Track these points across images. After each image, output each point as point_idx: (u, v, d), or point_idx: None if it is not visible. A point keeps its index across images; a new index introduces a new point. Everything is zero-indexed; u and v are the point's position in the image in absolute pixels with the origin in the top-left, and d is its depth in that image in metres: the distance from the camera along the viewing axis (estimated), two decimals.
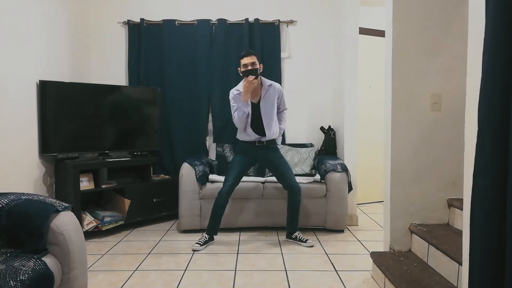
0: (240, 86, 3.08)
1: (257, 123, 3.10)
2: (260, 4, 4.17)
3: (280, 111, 3.25)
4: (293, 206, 3.17)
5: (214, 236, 3.19)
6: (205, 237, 3.13)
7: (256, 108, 3.09)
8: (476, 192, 1.31)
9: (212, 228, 3.15)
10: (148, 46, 4.10)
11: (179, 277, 2.53)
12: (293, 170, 3.69)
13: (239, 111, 3.04)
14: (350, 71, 3.73)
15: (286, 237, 3.25)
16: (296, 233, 3.19)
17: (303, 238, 3.15)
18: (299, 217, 3.22)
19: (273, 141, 3.21)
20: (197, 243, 3.08)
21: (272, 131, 3.14)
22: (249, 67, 2.97)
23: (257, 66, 3.02)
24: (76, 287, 1.78)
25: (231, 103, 3.11)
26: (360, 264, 2.73)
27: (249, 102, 3.05)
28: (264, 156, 3.18)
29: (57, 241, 1.73)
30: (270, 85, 3.13)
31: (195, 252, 3.00)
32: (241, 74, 3.05)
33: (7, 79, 2.79)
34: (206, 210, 3.45)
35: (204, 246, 3.08)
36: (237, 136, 3.24)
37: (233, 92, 3.12)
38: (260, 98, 3.10)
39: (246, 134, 3.13)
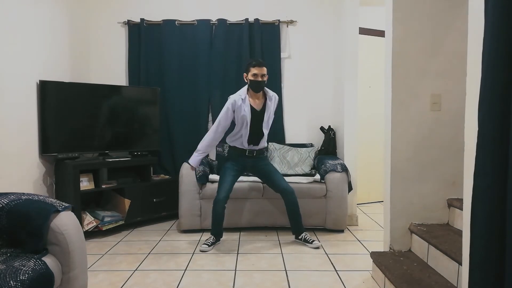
0: (242, 92, 3.08)
1: (254, 133, 3.10)
2: (260, 4, 4.17)
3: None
4: (291, 208, 3.16)
5: (219, 238, 3.19)
6: (212, 238, 3.13)
7: (258, 117, 3.08)
8: (477, 192, 1.31)
9: (217, 232, 3.16)
10: (148, 46, 4.10)
11: (179, 277, 2.53)
12: (293, 170, 3.71)
13: (199, 149, 3.16)
14: (350, 71, 3.73)
15: (295, 238, 3.24)
16: (303, 234, 3.17)
17: (309, 239, 3.12)
18: (300, 217, 3.19)
19: (262, 151, 3.23)
20: (204, 244, 3.08)
21: (265, 142, 3.20)
22: (259, 79, 3.00)
23: (266, 78, 3.06)
24: (76, 287, 1.78)
25: (227, 110, 3.07)
26: (360, 264, 2.73)
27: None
28: (253, 165, 3.20)
29: (57, 241, 1.72)
30: (272, 96, 3.16)
31: (203, 252, 3.00)
32: (246, 81, 3.08)
33: (7, 79, 2.79)
34: (206, 210, 3.46)
35: (212, 246, 3.09)
36: (227, 140, 3.24)
37: (236, 100, 3.06)
38: (264, 107, 3.11)
39: (239, 142, 3.13)
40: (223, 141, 4.03)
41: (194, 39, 4.11)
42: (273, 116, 3.22)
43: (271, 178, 3.19)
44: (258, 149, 3.16)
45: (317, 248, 3.06)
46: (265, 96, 3.15)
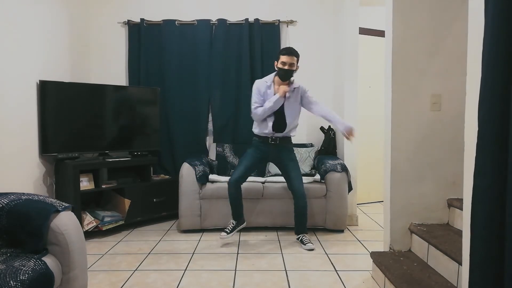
0: (268, 78, 3.12)
1: (278, 119, 3.12)
2: (260, 4, 4.17)
3: (317, 105, 3.19)
4: (297, 211, 3.16)
5: (242, 220, 3.19)
6: (232, 223, 3.14)
7: (281, 105, 3.11)
8: (476, 192, 1.31)
9: (237, 214, 3.17)
10: (148, 46, 4.10)
11: (179, 277, 2.53)
12: None
13: (269, 107, 3.04)
14: (350, 71, 3.73)
15: (296, 238, 3.23)
16: (301, 235, 3.17)
17: (305, 241, 3.11)
18: (304, 221, 3.19)
19: (288, 141, 3.21)
20: (224, 231, 3.09)
21: (290, 130, 3.18)
22: (287, 67, 3.00)
23: (295, 67, 3.05)
24: (76, 287, 1.78)
25: (256, 95, 3.09)
26: (360, 264, 2.73)
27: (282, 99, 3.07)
28: (276, 154, 3.18)
29: (57, 241, 1.73)
30: (297, 87, 3.15)
31: (222, 239, 3.08)
32: (276, 69, 3.09)
33: (7, 79, 2.79)
34: (206, 210, 3.46)
35: (232, 233, 3.11)
36: (253, 129, 3.24)
37: (261, 84, 3.12)
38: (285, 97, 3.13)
39: (263, 127, 3.12)
40: (223, 141, 4.07)
41: (194, 39, 4.11)
42: (298, 108, 3.19)
43: (288, 175, 3.17)
44: (281, 137, 3.15)
45: (311, 250, 3.04)
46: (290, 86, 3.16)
